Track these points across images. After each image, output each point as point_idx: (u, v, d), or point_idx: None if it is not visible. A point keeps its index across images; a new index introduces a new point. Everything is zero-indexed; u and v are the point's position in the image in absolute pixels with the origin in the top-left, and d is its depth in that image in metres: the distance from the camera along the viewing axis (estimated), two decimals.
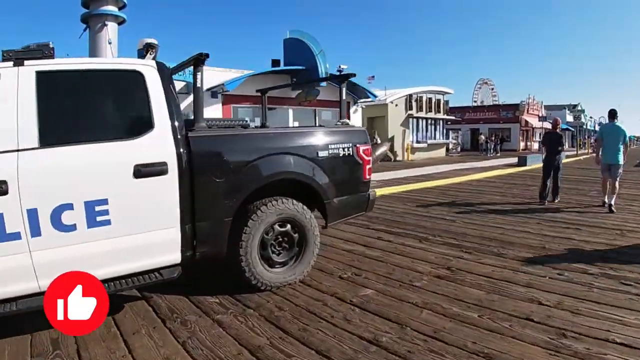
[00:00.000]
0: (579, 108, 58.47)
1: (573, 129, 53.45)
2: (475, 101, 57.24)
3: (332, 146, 4.72)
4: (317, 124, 22.57)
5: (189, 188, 3.85)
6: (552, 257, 5.45)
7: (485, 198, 11.21)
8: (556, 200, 9.84)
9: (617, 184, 8.64)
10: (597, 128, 57.40)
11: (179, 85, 17.53)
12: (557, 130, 10.07)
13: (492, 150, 34.86)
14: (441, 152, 31.27)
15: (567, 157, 29.15)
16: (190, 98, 18.75)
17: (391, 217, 8.61)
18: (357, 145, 4.91)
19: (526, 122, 44.68)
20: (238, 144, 4.36)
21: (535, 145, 47.21)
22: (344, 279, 4.75)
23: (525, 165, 21.69)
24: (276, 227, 4.41)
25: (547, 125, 34.22)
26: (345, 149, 4.82)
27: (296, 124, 21.79)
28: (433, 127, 30.70)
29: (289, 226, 4.49)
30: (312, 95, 20.38)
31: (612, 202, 8.55)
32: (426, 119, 29.65)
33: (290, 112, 21.51)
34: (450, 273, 4.89)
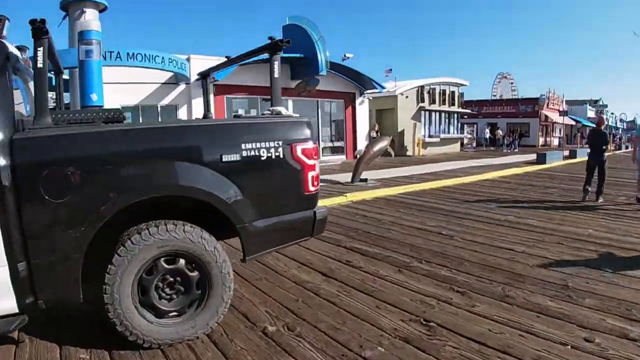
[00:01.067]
0: (601, 103, 56.31)
1: (594, 125, 51.08)
2: (494, 95, 55.26)
3: (248, 146, 3.15)
4: (318, 116, 21.07)
5: (14, 213, 2.68)
6: (577, 304, 3.81)
7: (495, 204, 9.66)
8: (599, 201, 9.46)
9: None
10: (619, 124, 55.23)
11: (165, 75, 16.14)
12: (602, 128, 9.90)
13: (511, 146, 32.82)
14: (455, 147, 29.49)
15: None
16: (178, 90, 17.52)
17: (375, 230, 7.10)
18: (293, 144, 3.34)
19: (546, 116, 42.56)
20: (90, 146, 2.89)
21: (555, 141, 45.14)
22: (267, 336, 3.28)
23: (544, 163, 19.89)
24: (161, 263, 3.10)
25: (569, 121, 32.30)
26: (272, 150, 3.27)
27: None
28: (447, 120, 28.93)
29: (182, 262, 3.16)
30: (311, 85, 18.87)
31: None
32: (439, 111, 27.91)
33: (290, 103, 19.95)
34: (425, 332, 3.35)
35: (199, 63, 16.59)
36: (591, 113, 52.16)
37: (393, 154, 12.91)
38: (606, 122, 11.85)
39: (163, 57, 14.35)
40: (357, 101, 22.79)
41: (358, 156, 12.15)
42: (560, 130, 47.14)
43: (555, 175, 16.00)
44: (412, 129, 25.11)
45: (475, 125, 33.58)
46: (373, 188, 11.60)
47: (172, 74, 16.16)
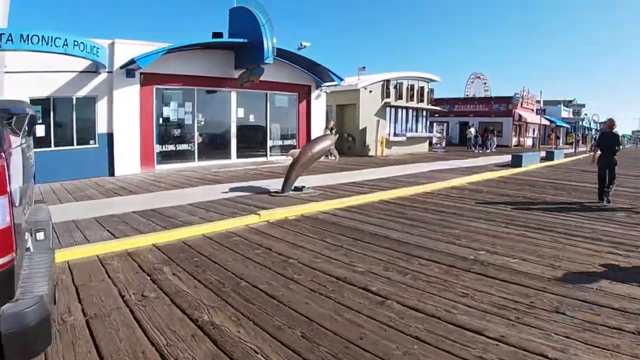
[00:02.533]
0: (576, 102, 54.88)
1: (568, 125, 49.86)
2: (467, 95, 53.47)
3: None
4: (267, 110, 18.30)
5: None
6: None
7: (460, 229, 7.20)
8: (609, 199, 9.41)
9: None
10: (592, 125, 53.90)
11: (84, 62, 13.10)
12: (613, 131, 9.80)
13: (484, 146, 30.50)
14: (423, 147, 27.00)
15: (565, 155, 24.80)
16: (99, 79, 14.38)
17: (267, 284, 4.66)
18: None
19: (520, 116, 40.59)
20: None
21: (529, 142, 43.30)
22: None
23: (520, 166, 17.41)
24: None
25: (543, 121, 30.23)
26: None
27: (240, 112, 17.42)
28: (414, 118, 26.36)
29: None
30: (256, 74, 16.10)
31: None
32: (406, 108, 25.36)
33: (233, 96, 17.21)
34: None
35: (125, 49, 13.82)
36: (565, 113, 50.66)
37: (336, 157, 9.98)
38: (614, 124, 9.88)
39: (66, 40, 11.37)
40: (313, 95, 20.07)
41: (291, 159, 9.32)
42: (534, 131, 45.34)
43: (534, 181, 13.55)
44: (376, 127, 22.43)
45: (445, 125, 31.09)
46: (306, 200, 8.89)
47: (89, 62, 13.16)
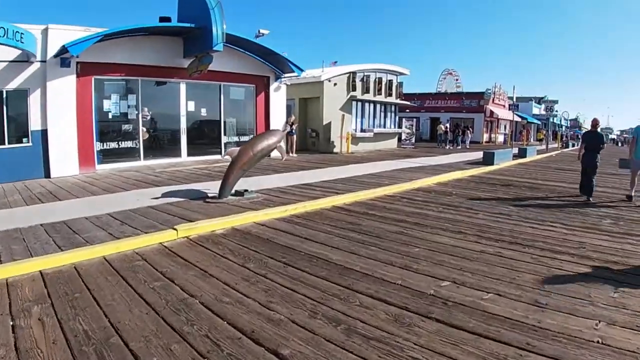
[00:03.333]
0: (548, 99, 54.78)
1: (539, 122, 49.60)
2: (439, 91, 53.00)
3: None
4: (221, 103, 16.73)
5: None
6: None
7: (422, 246, 6.00)
8: (590, 199, 9.39)
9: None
10: (563, 122, 53.87)
11: (14, 52, 11.34)
12: (598, 130, 10.08)
13: (454, 142, 29.50)
14: (391, 144, 25.78)
15: (538, 152, 23.91)
16: (31, 69, 12.45)
17: (120, 358, 2.90)
18: None
19: (491, 112, 39.84)
20: None
21: (500, 138, 42.63)
22: None
23: (492, 164, 16.25)
24: None
25: (515, 117, 29.43)
26: None
27: (191, 105, 15.80)
28: (382, 113, 25.10)
29: None
30: (204, 63, 14.48)
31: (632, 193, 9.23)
32: (374, 102, 24.07)
33: (183, 87, 15.57)
34: None
35: (60, 35, 12.07)
36: (536, 110, 50.37)
37: (283, 156, 8.47)
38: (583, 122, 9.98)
39: None
40: (272, 87, 18.56)
41: (230, 159, 7.81)
42: (505, 127, 44.75)
43: (508, 181, 12.39)
44: (341, 122, 21.05)
45: (414, 120, 29.93)
46: (244, 208, 7.48)
47: (19, 52, 11.41)
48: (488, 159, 16.72)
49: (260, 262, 4.97)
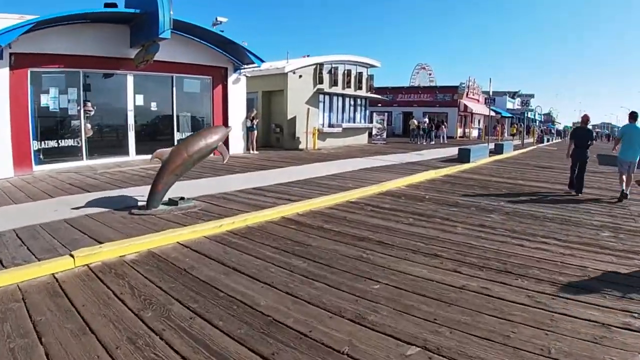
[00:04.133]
0: (522, 93, 54.56)
1: (513, 116, 49.12)
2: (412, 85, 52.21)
3: None
4: (173, 97, 15.13)
5: None
6: None
7: (381, 269, 4.72)
8: (580, 194, 9.43)
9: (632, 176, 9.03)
10: (537, 117, 53.66)
11: None
12: (588, 126, 10.12)
13: (428, 138, 28.38)
14: (362, 139, 24.46)
15: (514, 148, 22.90)
16: None
17: None
18: None
19: (465, 106, 38.91)
20: None
21: (474, 133, 41.81)
22: None
23: (468, 161, 15.04)
24: None
25: (491, 112, 28.50)
26: None
27: (139, 99, 14.15)
28: (352, 107, 23.72)
29: None
30: (150, 53, 12.89)
31: (628, 191, 9.01)
32: (343, 96, 22.64)
33: (130, 80, 13.92)
34: None
35: None
36: (510, 104, 49.94)
37: (225, 158, 6.86)
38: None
39: None
40: (230, 79, 17.00)
41: (160, 162, 6.24)
42: (479, 122, 44.00)
43: (486, 182, 11.20)
44: (306, 116, 19.58)
45: (386, 115, 28.62)
46: (172, 223, 6.04)
47: None
48: (464, 157, 15.53)
49: (163, 309, 3.53)
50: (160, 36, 12.43)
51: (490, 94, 22.47)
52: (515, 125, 44.52)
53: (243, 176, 10.65)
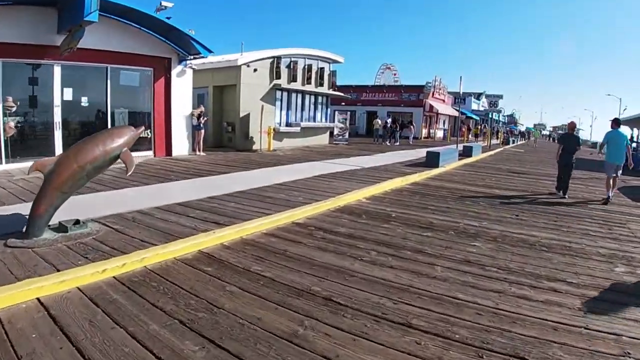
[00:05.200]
0: (485, 93, 54.18)
1: (478, 118, 48.48)
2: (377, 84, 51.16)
3: None
4: (108, 91, 13.06)
5: None
6: None
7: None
8: (566, 196, 9.80)
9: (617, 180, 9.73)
10: (501, 118, 53.31)
11: None
12: (574, 133, 10.58)
13: (393, 139, 26.94)
14: (322, 140, 22.75)
15: (484, 151, 21.61)
16: None
17: None
18: None
19: (431, 106, 37.75)
20: None
21: (440, 134, 40.73)
22: None
23: (437, 166, 13.50)
24: None
25: (454, 112, 27.24)
26: None
27: (68, 93, 12.11)
28: (312, 105, 21.95)
29: None
30: (76, 39, 10.83)
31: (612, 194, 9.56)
32: (302, 92, 20.83)
33: (57, 71, 11.89)
34: None
35: None
36: (475, 105, 49.29)
37: (129, 170, 4.79)
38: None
39: None
40: (175, 71, 14.99)
41: (44, 174, 4.18)
42: (444, 122, 43.02)
43: (460, 192, 9.70)
44: (260, 114, 17.68)
45: (349, 114, 26.87)
46: (51, 261, 4.23)
47: None
48: (432, 161, 14.01)
49: None
50: (86, 19, 10.55)
51: (461, 93, 21.05)
52: (479, 127, 43.78)
53: (175, 185, 8.75)
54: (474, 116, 47.64)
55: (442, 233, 6.09)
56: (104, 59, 12.95)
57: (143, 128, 6.15)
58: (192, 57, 15.13)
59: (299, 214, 6.61)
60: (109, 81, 13.45)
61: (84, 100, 13.15)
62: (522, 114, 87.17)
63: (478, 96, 52.93)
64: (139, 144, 14.35)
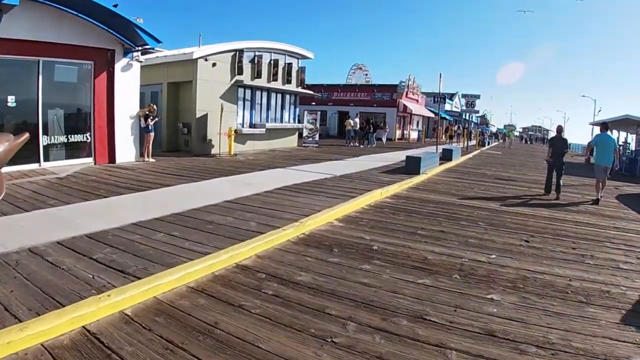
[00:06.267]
0: (459, 94, 53.43)
1: (451, 118, 47.44)
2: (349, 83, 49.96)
3: None
4: (39, 88, 11.02)
5: None
6: None
7: None
8: (559, 196, 10.06)
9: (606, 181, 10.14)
10: (474, 119, 52.47)
11: None
12: (562, 135, 10.86)
13: (366, 140, 25.33)
14: (290, 142, 20.92)
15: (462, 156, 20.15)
16: None
17: None
18: None
19: (405, 106, 36.30)
20: None
21: (414, 135, 39.35)
22: None
23: (418, 173, 11.85)
24: None
25: (427, 112, 25.72)
26: None
27: None
28: (279, 104, 20.05)
29: None
30: None
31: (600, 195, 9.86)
32: (268, 90, 18.93)
33: None
34: None
35: None
36: (448, 106, 48.29)
37: (0, 194, 2.84)
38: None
39: None
40: (119, 64, 12.95)
41: None
42: (418, 123, 41.73)
43: (452, 209, 8.10)
44: (220, 114, 15.72)
45: (319, 114, 25.03)
46: None
47: None
48: (413, 167, 12.37)
49: None
50: (5, 2, 8.71)
51: (440, 91, 19.50)
52: (452, 128, 42.63)
53: (99, 205, 6.83)
54: (447, 117, 46.55)
55: (445, 278, 4.38)
56: (36, 51, 10.95)
57: (26, 136, 4.25)
58: (139, 48, 13.13)
59: (247, 251, 4.79)
60: (40, 77, 11.39)
61: (10, 100, 11.06)
62: (494, 115, 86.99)
63: (451, 97, 52.00)
64: (76, 149, 12.31)
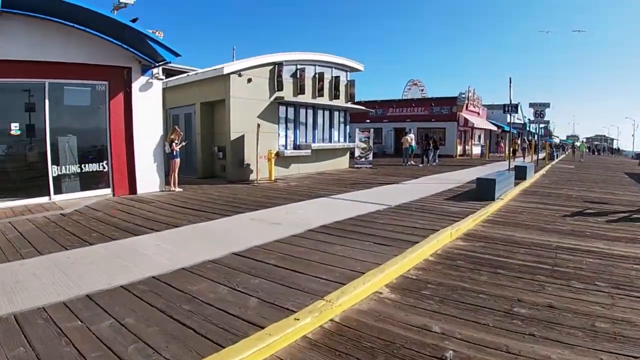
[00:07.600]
0: (537, 103, 49.76)
1: (515, 131, 43.90)
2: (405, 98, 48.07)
3: None
4: (46, 113, 9.73)
5: None
6: None
7: None
8: None
9: None
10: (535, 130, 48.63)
11: None
12: None
13: (426, 158, 22.75)
14: (341, 163, 18.73)
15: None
16: None
17: None
18: None
19: (466, 120, 33.43)
20: None
21: (476, 150, 36.24)
22: None
23: (492, 199, 9.42)
24: None
25: (489, 125, 22.77)
26: None
27: None
28: (327, 121, 17.98)
29: None
30: None
31: None
32: (313, 107, 16.88)
33: None
34: None
35: None
36: (508, 118, 44.85)
37: None
38: None
39: None
40: (137, 83, 11.40)
41: None
42: (480, 137, 38.59)
43: (547, 249, 5.61)
44: (256, 135, 13.82)
45: (372, 131, 22.52)
46: None
47: None
48: (486, 192, 9.93)
49: None
50: None
51: (511, 100, 16.80)
52: (517, 141, 39.18)
53: (59, 259, 4.96)
54: (512, 129, 43.15)
55: None
56: (42, 72, 9.72)
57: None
58: (159, 64, 11.49)
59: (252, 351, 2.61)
60: (47, 101, 9.98)
61: (14, 128, 9.67)
62: (557, 126, 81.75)
63: (515, 107, 48.52)
64: (92, 180, 10.78)
